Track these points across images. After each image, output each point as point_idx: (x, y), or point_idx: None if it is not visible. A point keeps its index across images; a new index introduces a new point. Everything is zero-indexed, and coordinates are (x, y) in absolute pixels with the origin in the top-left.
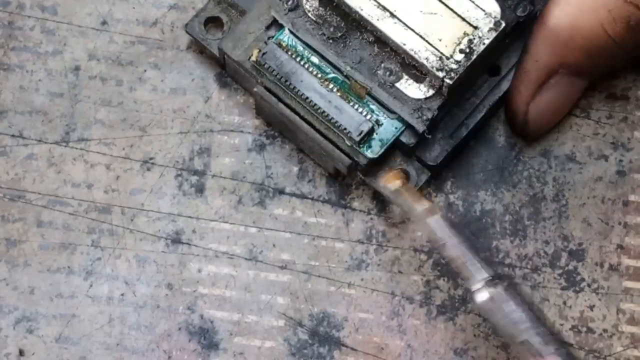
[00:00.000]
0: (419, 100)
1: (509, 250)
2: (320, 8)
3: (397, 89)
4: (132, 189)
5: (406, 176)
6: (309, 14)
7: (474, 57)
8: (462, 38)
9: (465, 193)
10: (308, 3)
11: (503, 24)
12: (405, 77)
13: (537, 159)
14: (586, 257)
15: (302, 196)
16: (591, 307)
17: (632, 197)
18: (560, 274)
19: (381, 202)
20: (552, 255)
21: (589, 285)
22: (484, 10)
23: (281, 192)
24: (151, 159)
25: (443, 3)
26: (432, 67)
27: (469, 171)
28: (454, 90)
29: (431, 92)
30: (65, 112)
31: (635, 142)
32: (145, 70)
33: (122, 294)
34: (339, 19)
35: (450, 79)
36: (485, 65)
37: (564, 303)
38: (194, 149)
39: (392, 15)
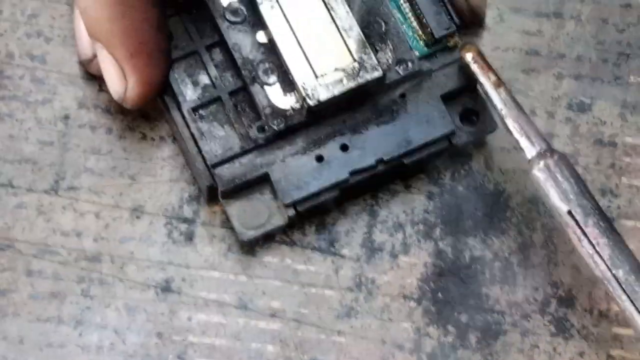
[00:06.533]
0: None
1: (499, 297)
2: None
3: None
4: (121, 237)
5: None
6: None
7: None
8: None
9: (455, 240)
10: None
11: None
12: None
13: (526, 205)
14: (576, 304)
15: (292, 244)
16: (581, 354)
17: None
18: (550, 320)
19: (370, 250)
20: (542, 302)
21: (578, 332)
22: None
23: (271, 240)
24: (140, 206)
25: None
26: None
27: (458, 218)
28: None
29: None
30: (54, 161)
31: (624, 188)
32: (134, 119)
33: (112, 343)
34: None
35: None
36: None
37: (554, 350)
38: (184, 196)
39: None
